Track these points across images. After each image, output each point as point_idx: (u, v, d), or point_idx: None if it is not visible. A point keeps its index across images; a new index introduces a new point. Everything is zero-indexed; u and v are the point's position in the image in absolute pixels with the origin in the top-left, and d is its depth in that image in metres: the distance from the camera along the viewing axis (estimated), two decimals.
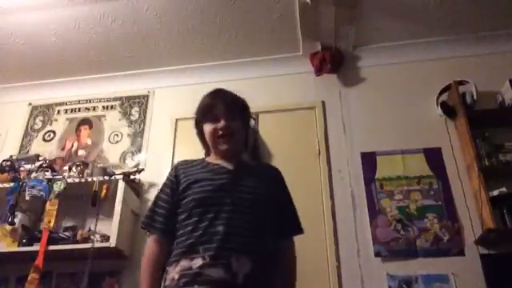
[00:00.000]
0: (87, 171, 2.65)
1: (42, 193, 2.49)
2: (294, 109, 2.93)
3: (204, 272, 1.16)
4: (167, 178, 1.43)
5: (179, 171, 1.40)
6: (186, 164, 1.44)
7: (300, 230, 1.46)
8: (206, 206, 1.27)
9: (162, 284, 1.26)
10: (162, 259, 1.30)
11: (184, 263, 1.20)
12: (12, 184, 2.56)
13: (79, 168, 2.66)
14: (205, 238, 1.22)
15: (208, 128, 1.40)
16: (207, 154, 1.49)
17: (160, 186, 1.46)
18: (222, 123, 1.37)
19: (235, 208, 1.27)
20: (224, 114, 1.38)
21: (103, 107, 3.23)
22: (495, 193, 2.30)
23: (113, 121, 3.15)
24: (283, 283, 1.35)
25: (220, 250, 1.19)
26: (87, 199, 2.55)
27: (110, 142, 3.06)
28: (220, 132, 1.38)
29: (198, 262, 1.18)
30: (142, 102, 3.19)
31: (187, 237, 1.25)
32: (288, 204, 1.47)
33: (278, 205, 1.39)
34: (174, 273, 1.22)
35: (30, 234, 2.47)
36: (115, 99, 3.24)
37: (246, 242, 1.23)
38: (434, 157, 2.60)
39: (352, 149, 2.72)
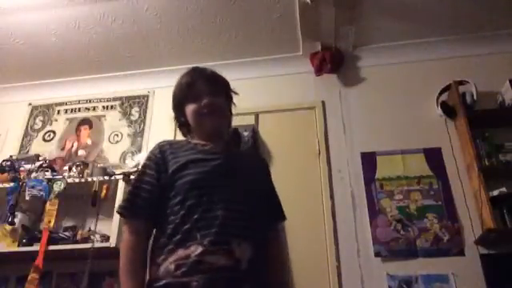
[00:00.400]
0: (87, 171, 2.65)
1: (42, 193, 2.49)
2: (294, 109, 2.93)
3: (205, 259, 1.08)
4: (150, 159, 1.29)
5: (166, 152, 1.28)
6: (172, 144, 1.33)
7: (285, 217, 1.44)
8: (202, 189, 1.18)
9: (149, 274, 1.16)
10: (144, 249, 1.20)
11: (180, 252, 1.11)
12: (12, 184, 2.56)
13: (79, 168, 2.66)
14: (202, 222, 1.13)
15: (191, 107, 1.32)
16: (188, 138, 1.40)
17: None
18: (205, 100, 1.30)
19: (233, 191, 1.20)
20: (206, 90, 1.32)
21: (103, 107, 3.23)
22: (495, 193, 2.30)
23: (113, 121, 3.15)
24: (280, 269, 1.34)
25: (220, 235, 1.11)
26: (87, 199, 2.55)
27: (110, 142, 3.07)
28: (204, 110, 1.30)
29: (196, 250, 1.09)
30: (141, 102, 3.19)
31: (180, 222, 1.15)
32: (274, 192, 1.44)
33: (267, 190, 1.38)
34: (167, 263, 1.11)
35: (29, 234, 2.47)
36: (115, 99, 3.24)
37: (245, 227, 1.16)
38: (434, 157, 2.60)
39: (352, 149, 2.72)
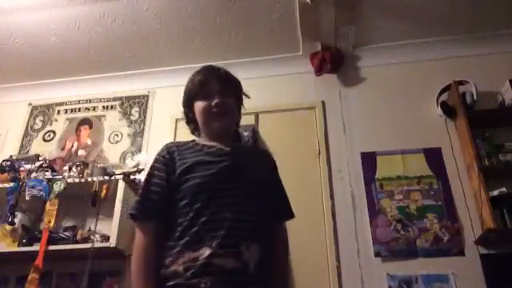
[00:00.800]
0: (87, 171, 2.65)
1: (42, 193, 2.48)
2: (294, 109, 2.93)
3: (214, 262, 1.09)
4: (158, 160, 1.29)
5: (174, 153, 1.28)
6: (179, 145, 1.32)
7: (293, 215, 1.43)
8: (210, 192, 1.18)
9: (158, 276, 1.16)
10: (157, 250, 1.19)
11: (189, 254, 1.11)
12: (12, 184, 2.56)
13: (79, 168, 2.66)
14: (211, 225, 1.13)
15: (200, 105, 1.32)
16: (195, 135, 1.41)
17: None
18: (216, 99, 1.30)
19: (240, 193, 1.20)
20: (218, 90, 1.32)
21: (103, 107, 3.23)
22: (495, 193, 2.30)
23: (113, 121, 3.15)
24: (282, 269, 1.33)
25: (228, 237, 1.12)
26: (87, 199, 2.54)
27: (110, 142, 3.07)
28: (214, 109, 1.30)
29: (205, 252, 1.10)
30: (141, 102, 3.19)
31: (188, 224, 1.15)
32: (281, 188, 1.43)
33: (274, 189, 1.36)
34: (176, 265, 1.12)
35: (30, 234, 2.47)
36: (115, 99, 3.24)
37: (253, 229, 1.16)
38: (434, 157, 2.60)
39: (352, 149, 2.72)
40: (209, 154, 1.28)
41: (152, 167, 1.30)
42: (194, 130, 1.41)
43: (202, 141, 1.35)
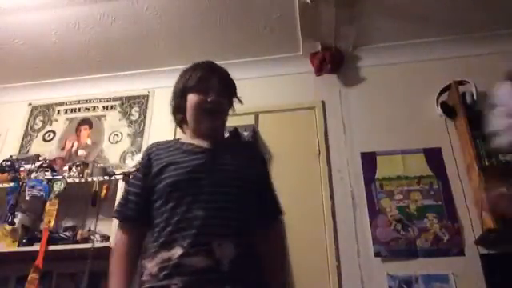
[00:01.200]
0: (87, 171, 2.65)
1: (42, 193, 2.49)
2: (294, 109, 2.93)
3: (184, 262, 1.08)
4: (140, 163, 1.33)
5: (152, 154, 1.29)
6: (159, 145, 1.33)
7: (280, 213, 1.40)
8: (183, 190, 1.17)
9: (139, 279, 1.17)
10: (135, 251, 1.22)
11: (163, 254, 1.11)
12: (12, 184, 2.56)
13: (79, 168, 2.66)
14: (183, 224, 1.13)
15: (194, 98, 1.30)
16: (180, 127, 1.41)
17: None
18: (212, 97, 1.29)
19: (215, 189, 1.18)
20: (217, 89, 1.31)
21: (103, 107, 3.23)
22: None
23: (113, 121, 3.15)
24: (272, 267, 1.29)
25: (199, 236, 1.10)
26: (87, 199, 2.55)
27: (110, 141, 3.07)
28: (209, 105, 1.29)
29: (177, 252, 1.09)
30: (141, 102, 3.19)
31: (164, 225, 1.15)
32: (269, 185, 1.40)
33: (259, 185, 1.32)
34: (152, 266, 1.13)
35: (29, 234, 2.47)
36: (115, 99, 3.24)
37: (227, 226, 1.14)
38: (434, 157, 2.60)
39: (352, 149, 2.72)
40: (185, 151, 1.27)
41: (135, 169, 1.35)
42: (181, 121, 1.39)
43: (186, 138, 1.35)
